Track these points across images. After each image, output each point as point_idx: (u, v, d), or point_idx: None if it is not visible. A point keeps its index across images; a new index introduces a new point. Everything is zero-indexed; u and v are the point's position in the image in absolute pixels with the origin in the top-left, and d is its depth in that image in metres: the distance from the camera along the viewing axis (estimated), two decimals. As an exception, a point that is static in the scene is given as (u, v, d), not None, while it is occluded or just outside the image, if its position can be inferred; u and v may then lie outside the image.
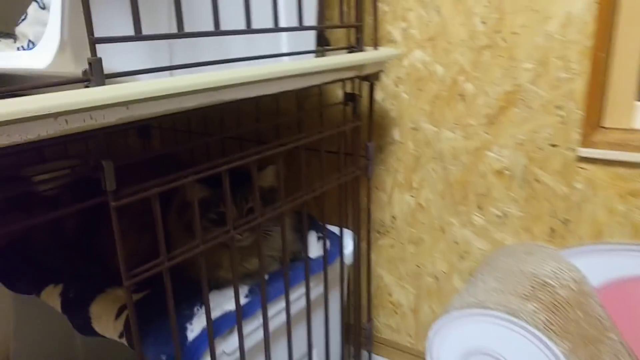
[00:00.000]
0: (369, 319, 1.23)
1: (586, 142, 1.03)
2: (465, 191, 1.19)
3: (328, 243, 1.08)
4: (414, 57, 1.18)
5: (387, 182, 1.30)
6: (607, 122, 1.08)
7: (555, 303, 0.93)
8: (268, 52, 0.83)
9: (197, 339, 0.81)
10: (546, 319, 0.88)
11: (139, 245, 1.03)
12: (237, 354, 0.85)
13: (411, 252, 1.32)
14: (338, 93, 1.31)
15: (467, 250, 1.23)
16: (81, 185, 1.17)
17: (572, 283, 1.01)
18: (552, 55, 1.02)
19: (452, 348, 0.94)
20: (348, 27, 1.01)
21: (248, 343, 0.88)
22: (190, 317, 0.86)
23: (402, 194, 1.29)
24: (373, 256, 1.37)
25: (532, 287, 0.96)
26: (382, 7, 1.18)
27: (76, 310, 0.95)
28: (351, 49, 0.99)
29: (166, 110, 0.61)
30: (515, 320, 0.86)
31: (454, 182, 1.20)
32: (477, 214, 1.19)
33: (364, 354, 1.30)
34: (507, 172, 1.13)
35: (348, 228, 1.18)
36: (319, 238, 1.14)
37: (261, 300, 0.88)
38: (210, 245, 0.77)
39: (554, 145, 1.06)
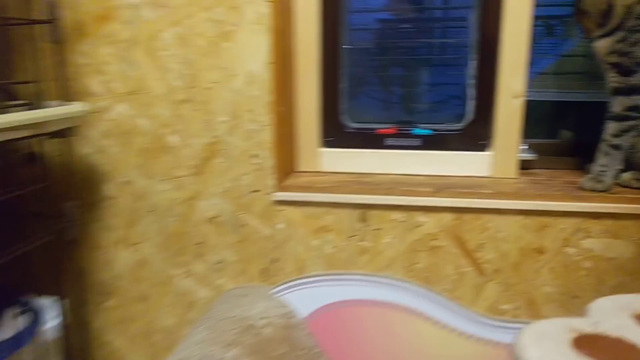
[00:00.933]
0: (92, 393, 1.12)
1: (280, 187, 1.12)
2: (183, 242, 1.20)
3: (29, 317, 0.96)
4: (117, 110, 1.15)
5: (105, 240, 1.23)
6: (301, 167, 1.21)
7: (258, 344, 0.98)
8: None
9: None
10: (246, 361, 0.92)
11: None
12: None
13: (139, 310, 1.26)
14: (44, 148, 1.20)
15: (193, 300, 1.23)
16: None
17: (278, 320, 1.08)
18: (242, 109, 1.10)
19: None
20: (22, 83, 0.93)
21: None
22: None
23: (123, 250, 1.23)
24: (98, 321, 1.27)
25: (238, 332, 0.99)
26: (79, 59, 1.13)
27: None
28: (28, 105, 0.92)
29: None
30: (213, 369, 0.88)
31: (172, 233, 1.20)
32: (197, 262, 1.20)
33: None
34: (218, 219, 1.17)
35: (59, 296, 1.07)
36: (19, 312, 1.01)
37: None
38: None
39: (254, 191, 1.14)
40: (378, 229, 1.11)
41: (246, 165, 1.13)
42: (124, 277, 1.25)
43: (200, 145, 1.14)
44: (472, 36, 1.09)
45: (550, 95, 1.26)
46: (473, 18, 1.09)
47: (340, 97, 1.16)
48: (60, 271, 1.03)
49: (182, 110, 1.12)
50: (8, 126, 0.84)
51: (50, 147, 0.99)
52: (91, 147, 1.18)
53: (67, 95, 1.04)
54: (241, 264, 1.18)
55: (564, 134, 1.27)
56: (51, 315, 1.03)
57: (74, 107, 0.98)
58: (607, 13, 0.99)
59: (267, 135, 1.10)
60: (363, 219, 1.11)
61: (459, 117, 1.14)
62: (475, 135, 1.12)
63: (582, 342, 0.74)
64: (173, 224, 1.19)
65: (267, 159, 1.11)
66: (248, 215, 1.15)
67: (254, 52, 1.07)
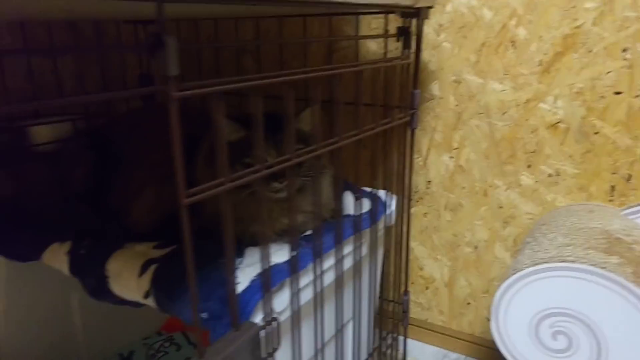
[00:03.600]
0: (406, 291, 1.11)
1: (656, 87, 0.94)
2: (513, 149, 1.09)
3: (368, 202, 0.97)
4: (459, 0, 1.08)
5: (422, 143, 1.19)
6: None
7: (636, 258, 0.84)
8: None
9: (246, 292, 0.68)
10: (633, 272, 0.79)
11: (159, 199, 0.90)
12: (287, 313, 0.73)
13: (447, 220, 1.21)
14: (371, 47, 1.20)
15: (513, 215, 1.13)
16: (84, 139, 1.03)
17: (644, 240, 0.92)
18: (620, -9, 0.93)
19: (522, 310, 0.83)
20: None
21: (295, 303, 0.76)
22: (235, 271, 0.73)
23: (440, 155, 1.18)
24: (403, 226, 1.26)
25: (608, 242, 0.86)
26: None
27: (89, 269, 0.81)
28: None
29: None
30: (603, 272, 0.76)
31: (501, 139, 1.10)
32: (525, 173, 1.09)
33: (399, 338, 1.18)
34: (562, 125, 1.03)
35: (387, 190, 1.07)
36: (356, 198, 1.02)
37: (313, 251, 0.76)
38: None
39: (617, 93, 0.97)
40: None
41: (611, 61, 0.96)
42: (437, 184, 1.20)
43: (552, 39, 1.00)
44: None
45: None
46: None
47: None
48: (400, 161, 1.02)
49: (537, -2, 1.00)
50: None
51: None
52: (423, 41, 1.13)
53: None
54: (582, 179, 1.04)
55: None
56: (388, 204, 1.03)
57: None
58: None
59: (648, 24, 0.92)
60: None
61: None
62: None
63: None
64: (503, 129, 1.10)
65: (643, 53, 0.94)
66: (602, 122, 1.00)
67: None
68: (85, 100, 0.46)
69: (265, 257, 0.64)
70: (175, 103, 0.47)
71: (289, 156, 0.67)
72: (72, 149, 0.96)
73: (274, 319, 0.66)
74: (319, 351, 0.80)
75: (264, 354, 0.64)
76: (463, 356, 1.28)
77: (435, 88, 1.15)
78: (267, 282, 0.65)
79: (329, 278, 0.82)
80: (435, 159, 1.19)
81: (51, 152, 1.06)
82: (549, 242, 0.89)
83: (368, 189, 1.02)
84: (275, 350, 0.66)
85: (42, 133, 1.09)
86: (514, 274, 0.83)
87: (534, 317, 0.82)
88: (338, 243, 0.81)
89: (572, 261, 0.79)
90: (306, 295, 0.77)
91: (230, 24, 1.27)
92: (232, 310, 0.60)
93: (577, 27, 0.98)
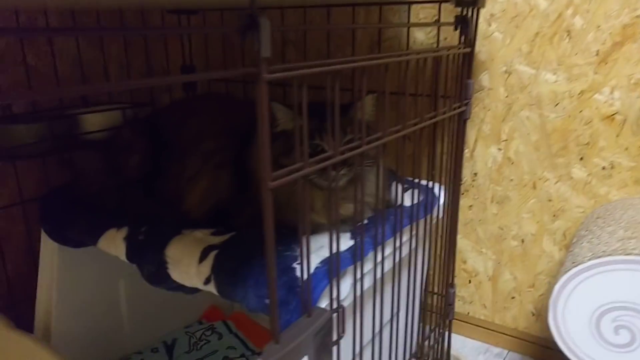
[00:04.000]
0: (452, 284, 1.10)
1: None
2: (565, 141, 1.07)
3: (425, 195, 0.96)
4: (512, -10, 1.06)
5: (469, 134, 1.18)
6: None
7: (702, 252, 0.82)
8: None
9: (312, 279, 0.68)
10: (701, 267, 0.77)
11: (215, 185, 0.90)
12: (348, 300, 0.72)
13: (493, 213, 1.20)
14: (418, 37, 1.19)
15: (563, 208, 1.11)
16: (138, 126, 1.04)
17: None
18: (686, -21, 0.91)
19: (583, 304, 0.81)
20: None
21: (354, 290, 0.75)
22: (295, 258, 0.73)
23: (487, 147, 1.17)
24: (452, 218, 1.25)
25: (671, 235, 0.84)
26: None
27: (148, 255, 0.81)
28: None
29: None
30: (672, 266, 0.74)
31: (552, 131, 1.08)
32: (577, 166, 1.07)
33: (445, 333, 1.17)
34: (618, 116, 1.01)
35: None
36: (405, 189, 1.01)
37: (373, 239, 0.75)
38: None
39: (680, 83, 0.95)
40: None
41: (674, 50, 0.94)
42: (483, 176, 1.19)
43: (611, 28, 0.98)
44: None
45: None
46: None
47: None
48: (456, 152, 1.00)
49: (596, -14, 0.98)
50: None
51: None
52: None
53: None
54: (638, 172, 1.02)
55: None
56: (438, 195, 1.02)
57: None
58: None
59: None
60: None
61: None
62: None
63: None
64: (555, 120, 1.07)
65: None
66: (661, 114, 0.97)
67: None
68: (153, 84, 0.47)
69: (333, 245, 0.64)
70: (265, 85, 0.46)
71: (358, 143, 0.66)
72: (126, 137, 0.97)
73: (341, 306, 0.66)
74: (375, 336, 0.80)
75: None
76: (505, 351, 1.26)
77: (484, 79, 1.13)
78: (336, 270, 0.64)
79: (385, 267, 0.81)
80: (482, 151, 1.17)
81: (102, 140, 1.07)
82: (609, 235, 0.87)
83: (421, 181, 1.01)
84: (341, 337, 0.66)
85: (93, 121, 1.11)
86: (574, 266, 0.82)
87: (595, 310, 0.81)
88: (396, 232, 0.81)
89: (638, 254, 0.77)
90: (365, 283, 0.77)
91: (276, 13, 1.26)
92: (304, 296, 0.60)
93: (638, 16, 0.95)
